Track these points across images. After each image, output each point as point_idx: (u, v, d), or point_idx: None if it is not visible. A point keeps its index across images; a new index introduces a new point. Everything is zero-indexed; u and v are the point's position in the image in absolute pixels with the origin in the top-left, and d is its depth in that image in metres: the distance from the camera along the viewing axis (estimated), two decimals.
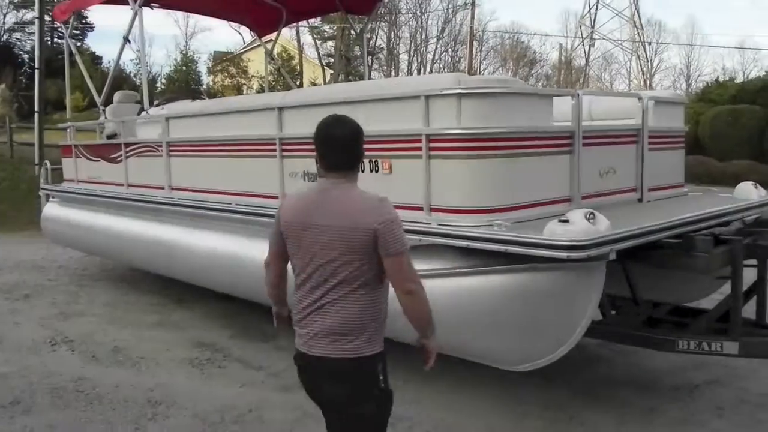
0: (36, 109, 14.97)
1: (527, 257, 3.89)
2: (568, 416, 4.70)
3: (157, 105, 8.75)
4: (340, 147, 2.80)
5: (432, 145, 4.40)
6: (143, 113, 8.09)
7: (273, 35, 11.28)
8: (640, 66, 51.35)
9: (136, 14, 7.72)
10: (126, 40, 8.16)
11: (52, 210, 9.50)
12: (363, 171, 4.82)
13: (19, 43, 41.94)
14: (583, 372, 5.48)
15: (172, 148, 6.91)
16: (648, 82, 49.71)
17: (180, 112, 7.49)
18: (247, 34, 42.49)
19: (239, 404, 4.91)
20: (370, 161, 4.76)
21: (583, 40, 50.29)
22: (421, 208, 4.49)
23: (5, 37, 41.68)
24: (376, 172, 4.75)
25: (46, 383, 5.31)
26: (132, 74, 35.73)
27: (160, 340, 6.47)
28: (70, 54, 9.88)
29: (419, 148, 4.43)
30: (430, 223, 4.41)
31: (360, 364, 2.75)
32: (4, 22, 42.29)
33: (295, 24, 21.22)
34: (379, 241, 2.68)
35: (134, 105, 9.09)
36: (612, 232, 3.85)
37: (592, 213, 3.82)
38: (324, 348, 2.75)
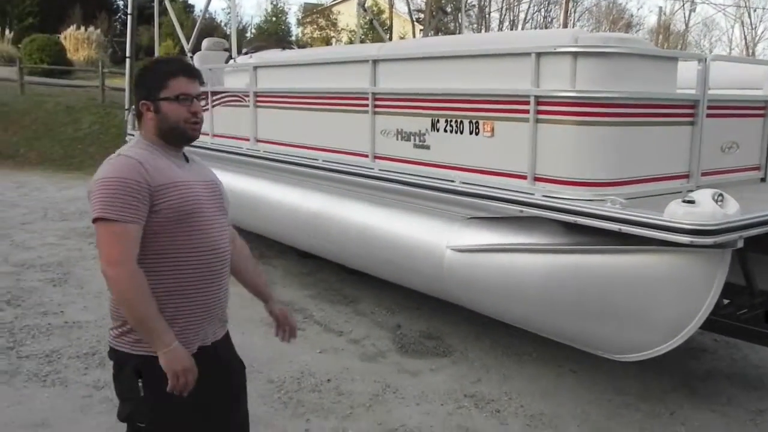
0: (128, 54, 15.04)
1: (643, 239, 3.50)
2: (668, 411, 4.33)
3: (245, 53, 8.53)
4: None
5: (540, 108, 3.98)
6: (231, 61, 7.90)
7: None
8: (743, 33, 48.51)
9: None
10: None
11: None
12: (451, 132, 4.50)
13: None
14: (685, 363, 5.06)
15: (258, 99, 6.68)
16: (751, 51, 47.02)
17: (268, 61, 7.25)
18: None
19: (317, 371, 4.70)
20: (470, 122, 4.39)
21: (684, 4, 47.76)
22: (524, 177, 4.11)
23: None
24: (477, 134, 4.37)
25: None
26: (222, 23, 35.89)
27: (237, 295, 6.29)
28: (161, 1, 9.77)
29: (526, 111, 4.03)
30: (533, 194, 4.04)
31: (117, 356, 2.41)
32: None
33: None
34: None
35: (222, 53, 8.92)
36: (742, 216, 3.42)
37: (720, 194, 3.38)
38: None
